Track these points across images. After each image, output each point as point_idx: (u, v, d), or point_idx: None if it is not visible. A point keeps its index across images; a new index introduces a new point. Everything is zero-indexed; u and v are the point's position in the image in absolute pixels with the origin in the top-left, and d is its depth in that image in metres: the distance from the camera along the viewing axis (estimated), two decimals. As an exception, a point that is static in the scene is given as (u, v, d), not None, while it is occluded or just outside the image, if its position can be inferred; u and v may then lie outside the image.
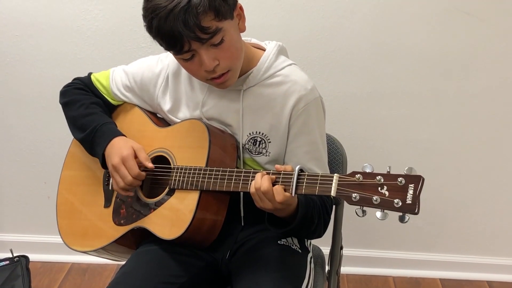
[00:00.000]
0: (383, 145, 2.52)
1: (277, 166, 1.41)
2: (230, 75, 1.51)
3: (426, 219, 2.57)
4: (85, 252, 1.74)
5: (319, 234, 1.59)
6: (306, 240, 1.72)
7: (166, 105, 1.69)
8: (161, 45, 1.47)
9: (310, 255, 1.70)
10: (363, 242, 2.67)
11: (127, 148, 1.59)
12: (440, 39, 2.36)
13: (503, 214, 2.60)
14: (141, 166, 1.58)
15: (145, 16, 1.44)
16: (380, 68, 2.42)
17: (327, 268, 1.84)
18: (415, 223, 2.55)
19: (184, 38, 1.38)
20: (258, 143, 1.61)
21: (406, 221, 1.23)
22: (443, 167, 2.54)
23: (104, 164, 1.65)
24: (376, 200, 1.24)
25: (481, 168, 2.54)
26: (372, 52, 2.39)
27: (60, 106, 1.78)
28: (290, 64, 1.63)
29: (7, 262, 2.46)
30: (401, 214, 1.23)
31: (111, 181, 1.67)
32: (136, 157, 1.58)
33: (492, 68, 2.39)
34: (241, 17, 1.53)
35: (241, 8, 1.52)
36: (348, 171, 1.75)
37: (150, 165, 1.58)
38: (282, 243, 1.63)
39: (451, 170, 2.55)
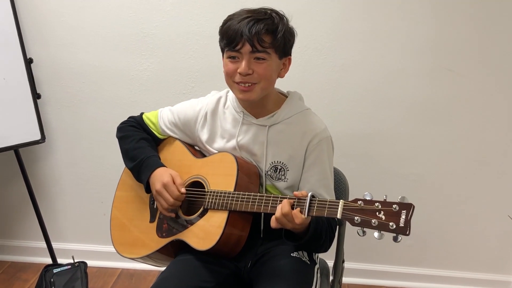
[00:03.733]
0: (379, 177, 2.50)
1: (295, 192, 1.40)
2: (256, 89, 1.52)
3: (415, 239, 2.53)
4: (132, 259, 1.74)
5: (326, 248, 1.58)
6: (314, 253, 1.71)
7: (204, 136, 1.71)
8: (221, 41, 1.53)
9: (317, 266, 1.68)
10: (362, 257, 2.64)
11: (167, 175, 1.60)
12: (427, 90, 2.35)
13: (478, 237, 2.56)
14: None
15: (224, 20, 1.53)
16: (377, 114, 2.41)
17: (331, 278, 1.82)
18: (406, 242, 2.50)
19: (243, 38, 1.45)
20: (278, 170, 1.61)
21: (399, 241, 1.23)
22: (428, 197, 2.51)
23: (147, 189, 1.66)
24: (374, 223, 1.24)
25: (461, 198, 2.50)
26: (371, 100, 2.39)
27: (115, 140, 1.80)
28: (307, 109, 1.65)
29: (69, 266, 2.46)
30: (395, 235, 1.23)
31: (155, 202, 1.67)
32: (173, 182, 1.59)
33: (470, 114, 2.37)
34: (286, 66, 1.58)
35: (289, 60, 1.57)
36: (350, 198, 1.74)
37: (182, 190, 1.59)
38: (294, 255, 1.62)
39: (435, 200, 2.51)
